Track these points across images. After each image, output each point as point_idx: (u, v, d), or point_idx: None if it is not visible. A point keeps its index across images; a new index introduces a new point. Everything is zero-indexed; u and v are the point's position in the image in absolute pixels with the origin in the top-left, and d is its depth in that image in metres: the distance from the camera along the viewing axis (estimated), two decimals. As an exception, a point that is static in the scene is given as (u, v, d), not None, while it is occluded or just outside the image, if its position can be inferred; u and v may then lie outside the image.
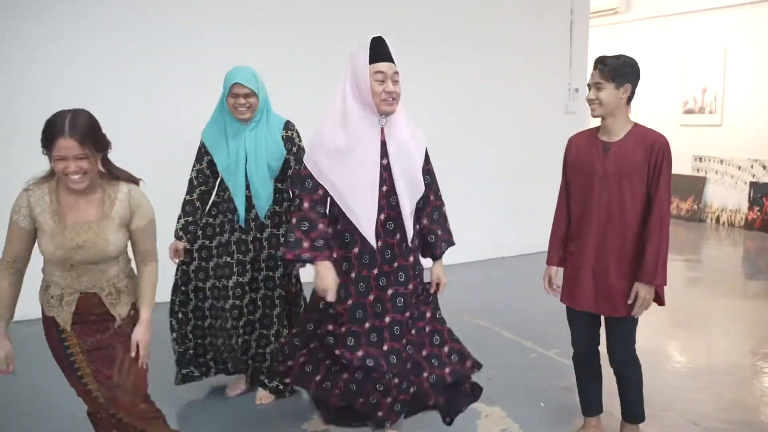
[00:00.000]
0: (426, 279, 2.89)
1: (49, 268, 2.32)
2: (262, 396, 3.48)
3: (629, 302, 2.70)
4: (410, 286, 2.71)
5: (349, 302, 2.63)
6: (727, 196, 8.55)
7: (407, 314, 2.70)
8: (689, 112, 8.83)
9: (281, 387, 3.46)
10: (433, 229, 2.84)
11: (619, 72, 2.63)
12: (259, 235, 3.29)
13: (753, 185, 8.22)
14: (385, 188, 2.61)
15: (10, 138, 4.61)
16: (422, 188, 2.74)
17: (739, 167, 8.40)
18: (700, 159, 8.84)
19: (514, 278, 6.08)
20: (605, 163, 2.70)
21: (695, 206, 8.81)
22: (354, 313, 2.63)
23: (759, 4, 7.95)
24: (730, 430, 3.21)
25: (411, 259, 2.74)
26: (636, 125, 2.74)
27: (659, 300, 2.79)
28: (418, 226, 2.81)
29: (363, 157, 2.57)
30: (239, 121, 3.17)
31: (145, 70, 4.97)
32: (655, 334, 4.46)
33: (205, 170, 3.30)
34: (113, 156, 2.36)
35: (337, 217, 2.64)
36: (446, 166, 6.16)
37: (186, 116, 4.50)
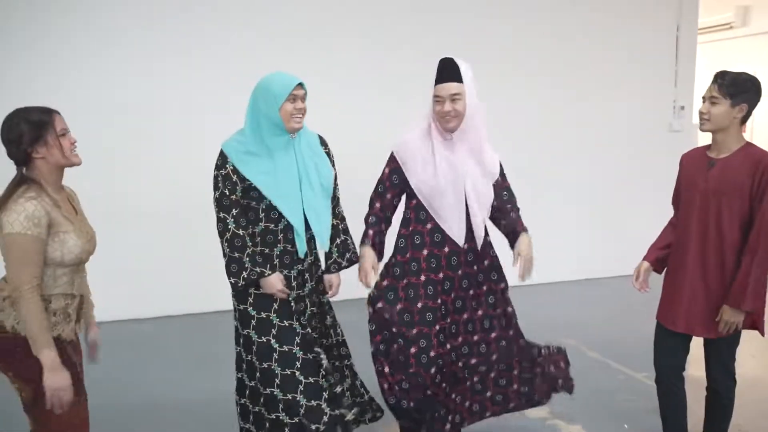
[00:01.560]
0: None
1: (57, 277, 2.21)
2: None
3: (717, 320, 2.61)
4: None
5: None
6: None
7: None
8: (810, 133, 8.27)
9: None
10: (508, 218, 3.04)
11: (738, 89, 2.57)
12: (315, 270, 2.87)
13: None
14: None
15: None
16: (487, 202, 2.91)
17: None
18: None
19: (607, 299, 5.91)
20: (708, 179, 2.65)
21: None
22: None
23: None
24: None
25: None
26: (748, 144, 2.66)
27: (757, 328, 2.68)
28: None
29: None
30: (287, 133, 2.67)
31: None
32: (759, 364, 4.23)
33: (241, 201, 2.66)
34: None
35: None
36: (544, 185, 6.15)
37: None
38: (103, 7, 4.92)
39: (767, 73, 8.48)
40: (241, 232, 2.62)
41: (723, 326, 2.60)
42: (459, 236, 2.80)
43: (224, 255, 2.64)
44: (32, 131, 2.13)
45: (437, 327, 2.78)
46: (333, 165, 2.87)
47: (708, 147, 2.75)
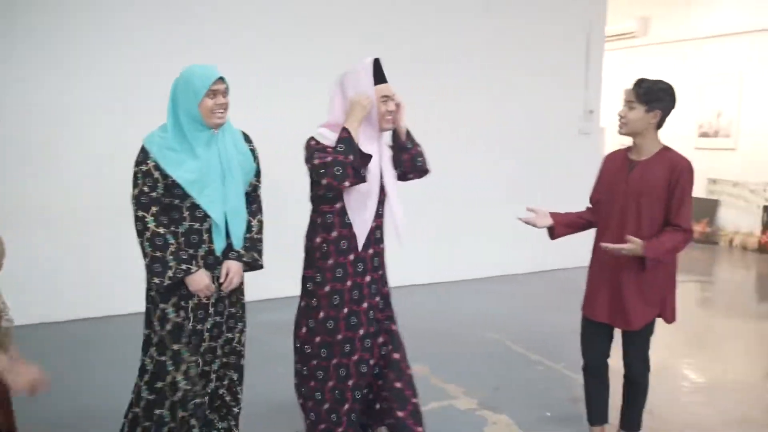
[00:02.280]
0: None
1: None
2: None
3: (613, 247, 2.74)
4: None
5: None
6: (740, 219, 8.57)
7: None
8: (704, 135, 8.89)
9: None
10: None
11: (653, 97, 2.73)
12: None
13: (766, 209, 8.23)
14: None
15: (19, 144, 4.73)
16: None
17: (752, 191, 8.42)
18: (714, 182, 8.88)
19: (524, 295, 6.16)
20: (628, 181, 2.81)
21: (708, 229, 8.83)
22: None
23: (774, 30, 8.04)
24: (732, 443, 3.27)
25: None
26: (665, 148, 2.83)
27: (666, 317, 2.88)
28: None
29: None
30: (209, 129, 2.59)
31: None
32: (667, 352, 4.52)
33: (162, 199, 2.56)
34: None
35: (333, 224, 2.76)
36: (460, 184, 6.32)
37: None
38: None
39: (665, 79, 9.06)
40: (161, 230, 2.52)
41: (617, 247, 2.71)
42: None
43: (145, 255, 2.54)
44: None
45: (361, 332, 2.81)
46: (257, 162, 2.80)
47: (629, 149, 2.91)
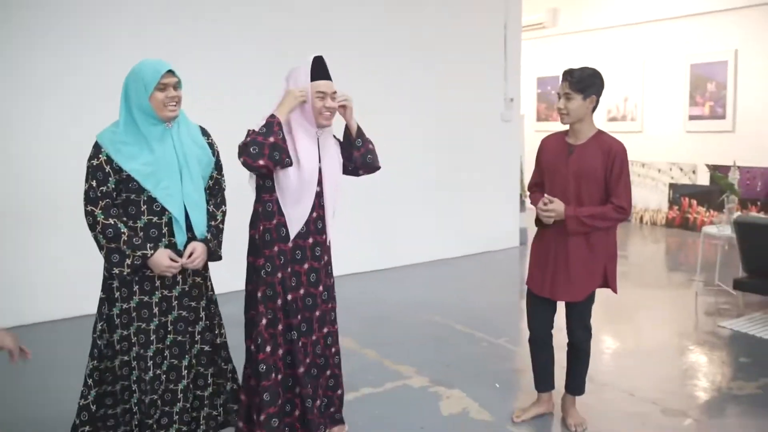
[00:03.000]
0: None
1: None
2: None
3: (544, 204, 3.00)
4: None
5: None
6: (649, 197, 9.20)
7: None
8: (613, 119, 9.47)
9: None
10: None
11: (586, 84, 2.96)
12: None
13: (672, 186, 8.89)
14: (317, 189, 2.91)
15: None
16: (341, 190, 3.02)
17: (659, 170, 9.06)
18: (627, 165, 9.45)
19: (458, 277, 6.45)
20: (569, 164, 3.04)
21: (620, 207, 9.41)
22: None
23: (673, 20, 8.64)
24: (661, 398, 3.61)
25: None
26: (599, 132, 3.08)
27: (612, 287, 3.17)
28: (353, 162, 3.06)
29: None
30: (162, 122, 2.62)
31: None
32: (597, 322, 4.86)
33: (113, 194, 2.58)
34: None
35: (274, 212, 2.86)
36: (391, 174, 6.48)
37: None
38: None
39: (574, 66, 9.58)
40: (111, 221, 2.55)
41: (544, 206, 2.98)
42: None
43: (101, 248, 2.58)
44: None
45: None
46: (216, 155, 2.86)
47: (566, 134, 3.15)
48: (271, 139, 2.70)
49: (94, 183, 2.55)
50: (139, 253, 2.55)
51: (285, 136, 2.77)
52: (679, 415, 3.42)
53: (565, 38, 10.19)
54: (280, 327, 2.87)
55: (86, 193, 2.57)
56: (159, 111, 2.57)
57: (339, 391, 3.12)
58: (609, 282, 3.14)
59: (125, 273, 2.56)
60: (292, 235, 2.86)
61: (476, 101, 7.22)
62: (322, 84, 2.83)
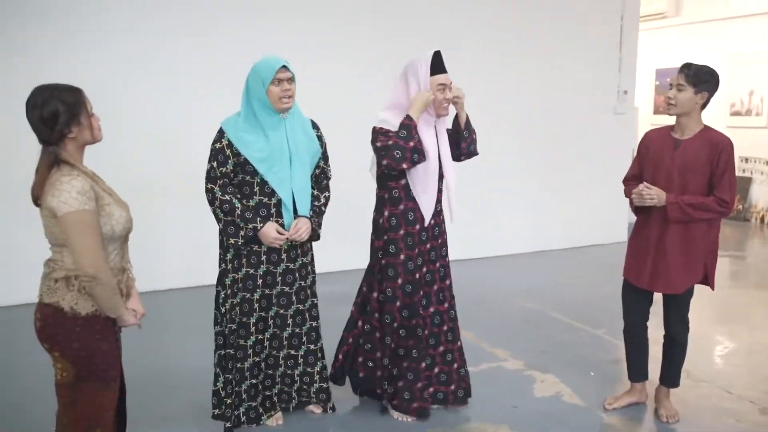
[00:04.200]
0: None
1: (109, 252, 2.21)
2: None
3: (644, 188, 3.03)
4: None
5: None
6: (772, 197, 8.75)
7: None
8: (736, 114, 9.05)
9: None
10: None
11: (701, 79, 3.01)
12: (295, 244, 3.05)
13: (798, 186, 8.41)
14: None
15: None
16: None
17: (785, 168, 8.59)
18: (746, 160, 9.04)
19: (561, 268, 6.47)
20: (674, 158, 3.08)
21: (741, 206, 9.02)
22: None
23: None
24: (760, 398, 3.57)
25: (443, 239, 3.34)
26: (707, 127, 3.11)
27: (710, 284, 3.18)
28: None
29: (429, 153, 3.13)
30: (277, 113, 2.91)
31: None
32: (701, 320, 4.81)
33: (230, 175, 2.92)
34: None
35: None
36: (499, 165, 6.62)
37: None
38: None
39: (696, 59, 9.20)
40: (227, 197, 2.88)
41: (644, 190, 3.00)
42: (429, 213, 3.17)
43: (219, 221, 2.94)
44: (68, 111, 2.10)
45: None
46: (324, 147, 3.15)
47: (671, 128, 3.18)
48: (411, 144, 3.00)
49: (215, 164, 2.91)
50: (251, 225, 2.90)
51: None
52: (779, 416, 3.38)
53: (688, 28, 9.80)
54: (398, 303, 3.15)
55: (208, 172, 2.93)
56: (275, 103, 2.87)
57: (456, 366, 3.38)
58: (708, 278, 3.15)
59: (240, 243, 2.91)
60: (427, 220, 3.15)
61: (589, 93, 7.16)
62: (441, 77, 3.08)
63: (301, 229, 2.98)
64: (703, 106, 3.07)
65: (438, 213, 3.23)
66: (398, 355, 3.20)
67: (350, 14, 5.92)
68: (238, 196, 2.94)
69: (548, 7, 6.83)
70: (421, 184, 3.12)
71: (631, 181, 3.34)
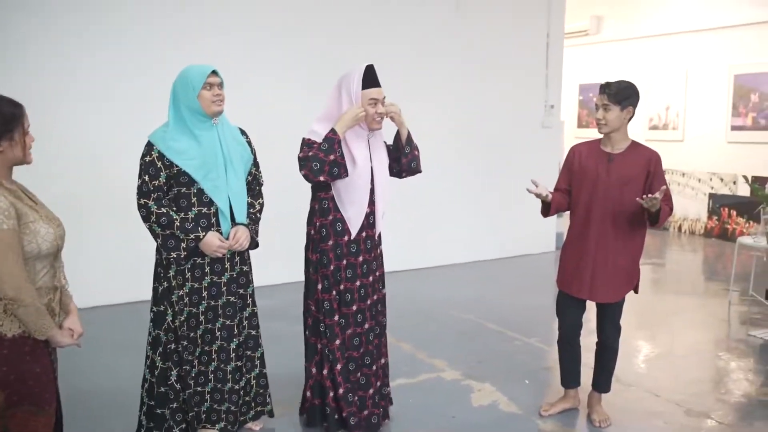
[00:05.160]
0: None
1: (37, 271, 2.15)
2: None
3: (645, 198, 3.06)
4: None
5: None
6: (688, 207, 9.25)
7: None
8: (654, 128, 9.54)
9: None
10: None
11: (623, 96, 3.16)
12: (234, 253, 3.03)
13: (712, 196, 8.94)
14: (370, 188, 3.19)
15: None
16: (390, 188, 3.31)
17: (699, 180, 9.11)
18: (664, 172, 9.51)
19: (493, 279, 6.64)
20: (609, 171, 3.23)
21: (659, 216, 9.47)
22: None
23: (717, 30, 8.68)
24: (685, 400, 3.77)
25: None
26: (634, 141, 3.29)
27: (636, 289, 3.37)
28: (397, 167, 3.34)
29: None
30: (209, 118, 2.90)
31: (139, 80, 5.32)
32: (625, 326, 5.03)
33: (164, 188, 2.87)
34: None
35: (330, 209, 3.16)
36: (430, 177, 6.64)
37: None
38: None
39: (617, 75, 9.68)
40: (163, 210, 2.83)
41: (652, 200, 3.02)
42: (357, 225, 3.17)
43: (156, 236, 2.88)
44: (3, 124, 2.04)
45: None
46: (254, 153, 3.14)
47: (599, 141, 3.34)
48: (332, 157, 3.00)
49: (146, 177, 2.86)
50: (192, 235, 2.85)
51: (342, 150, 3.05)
52: (702, 417, 3.58)
53: (608, 46, 10.28)
54: (336, 317, 3.15)
55: (139, 187, 2.87)
56: (207, 107, 2.86)
57: (387, 379, 3.42)
58: (636, 283, 3.34)
59: (182, 256, 2.86)
60: (354, 233, 3.14)
61: (517, 107, 7.41)
62: (373, 91, 3.10)
63: (240, 238, 2.97)
64: (629, 119, 3.23)
65: (371, 226, 3.23)
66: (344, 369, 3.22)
67: (285, 27, 5.93)
68: (174, 208, 2.89)
69: (478, 25, 7.04)
70: (348, 196, 3.12)
71: (555, 193, 3.44)
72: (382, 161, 3.25)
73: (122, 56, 5.26)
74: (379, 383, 3.34)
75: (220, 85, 2.91)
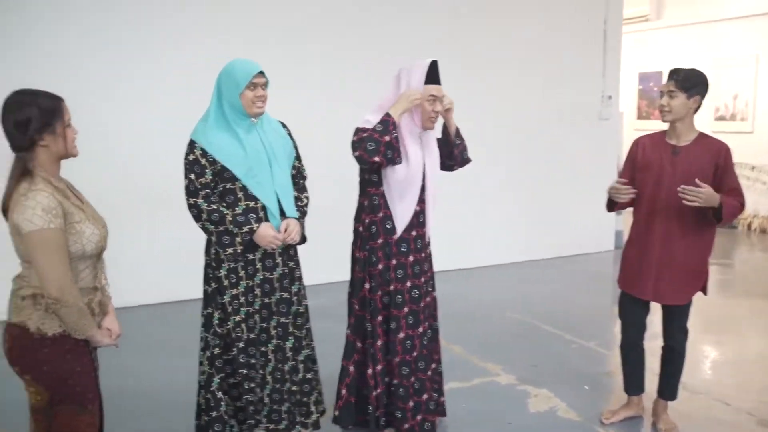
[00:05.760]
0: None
1: (79, 271, 2.18)
2: None
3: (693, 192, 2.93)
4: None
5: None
6: (759, 203, 8.90)
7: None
8: (720, 119, 9.21)
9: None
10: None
11: (691, 83, 3.05)
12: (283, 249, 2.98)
13: (784, 191, 8.58)
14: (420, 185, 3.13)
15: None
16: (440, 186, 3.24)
17: (771, 173, 8.76)
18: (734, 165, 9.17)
19: (547, 279, 6.50)
20: (675, 164, 3.11)
21: (726, 212, 9.14)
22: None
23: (790, 12, 8.33)
24: (757, 409, 3.61)
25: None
26: (702, 133, 3.16)
27: (705, 290, 3.22)
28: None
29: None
30: (248, 117, 2.88)
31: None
32: (694, 331, 4.85)
33: (211, 185, 2.85)
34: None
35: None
36: (484, 173, 6.63)
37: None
38: None
39: (680, 63, 9.36)
40: (213, 206, 2.80)
41: (695, 194, 2.90)
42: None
43: (210, 234, 2.86)
44: (42, 117, 2.06)
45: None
46: (296, 147, 3.10)
47: (664, 134, 3.21)
48: (387, 138, 2.95)
49: (192, 176, 2.83)
50: (246, 228, 2.82)
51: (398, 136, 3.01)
52: (778, 427, 3.42)
53: (670, 31, 9.97)
54: (379, 318, 3.10)
55: (186, 187, 2.85)
56: (247, 108, 2.83)
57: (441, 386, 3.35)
58: (705, 284, 3.20)
59: (238, 251, 2.84)
60: (399, 230, 3.10)
61: (573, 98, 7.23)
62: (434, 88, 3.04)
63: (292, 231, 2.92)
64: (696, 109, 3.10)
65: (421, 225, 3.17)
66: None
67: (336, 18, 5.92)
68: (224, 204, 2.87)
69: (532, 12, 6.90)
70: (398, 192, 3.07)
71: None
72: (434, 160, 3.21)
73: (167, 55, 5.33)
74: (434, 389, 3.29)
75: (265, 85, 2.88)
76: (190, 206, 2.84)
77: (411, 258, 3.15)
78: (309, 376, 3.11)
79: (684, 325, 3.26)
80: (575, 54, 7.21)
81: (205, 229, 2.87)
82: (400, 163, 3.02)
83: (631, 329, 3.36)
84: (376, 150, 2.94)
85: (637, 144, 3.33)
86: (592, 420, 3.48)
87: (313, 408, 3.14)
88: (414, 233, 3.14)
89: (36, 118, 2.05)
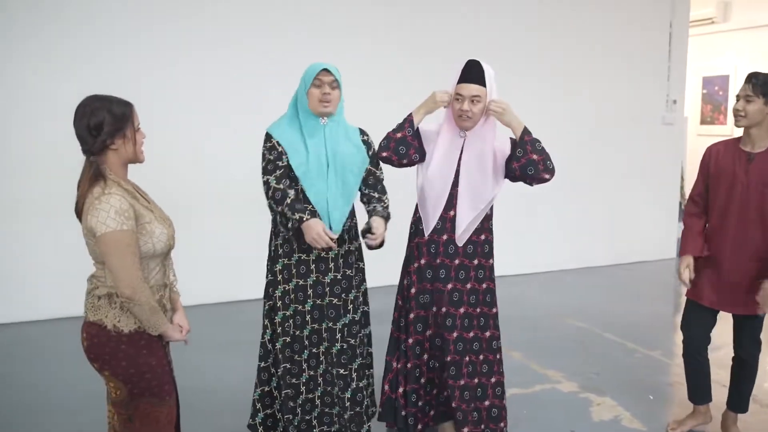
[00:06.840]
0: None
1: (150, 270, 2.32)
2: None
3: (758, 298, 3.04)
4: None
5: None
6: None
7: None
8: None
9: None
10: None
11: None
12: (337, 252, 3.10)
13: None
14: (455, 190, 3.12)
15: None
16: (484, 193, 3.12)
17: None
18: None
19: (607, 286, 6.53)
20: (749, 172, 3.12)
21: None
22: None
23: None
24: (834, 426, 3.60)
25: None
26: None
27: None
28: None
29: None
30: (317, 117, 3.00)
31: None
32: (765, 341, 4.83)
33: (287, 169, 2.98)
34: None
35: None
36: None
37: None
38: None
39: (746, 66, 9.24)
40: (280, 185, 2.93)
41: (765, 298, 3.02)
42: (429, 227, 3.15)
43: (274, 213, 3.04)
44: (115, 122, 2.19)
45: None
46: (371, 152, 3.15)
47: (737, 140, 3.23)
48: (399, 135, 3.05)
49: (270, 157, 2.98)
50: (297, 215, 2.91)
51: (418, 133, 3.08)
52: None
53: (737, 34, 9.82)
54: (412, 315, 3.15)
55: (264, 168, 3.01)
56: (314, 106, 2.95)
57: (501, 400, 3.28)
58: None
59: (289, 234, 3.00)
60: (426, 233, 3.13)
61: (636, 102, 7.23)
62: (461, 87, 3.03)
63: (379, 229, 3.02)
64: None
65: (453, 230, 3.10)
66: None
67: (398, 25, 6.05)
68: (293, 187, 2.99)
69: (596, 14, 6.93)
70: (424, 193, 3.12)
71: (696, 198, 3.36)
72: (475, 162, 3.10)
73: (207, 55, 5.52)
74: (496, 396, 3.24)
75: (332, 84, 2.95)
76: (263, 184, 3.00)
77: (457, 261, 3.14)
78: (362, 384, 3.19)
79: (757, 337, 3.28)
80: (640, 57, 7.21)
81: (270, 208, 3.02)
82: (417, 161, 3.10)
83: (695, 338, 3.38)
84: (385, 146, 3.05)
85: (710, 151, 3.34)
86: (657, 430, 3.52)
87: (365, 417, 3.23)
88: (445, 237, 3.12)
89: (108, 122, 2.18)
